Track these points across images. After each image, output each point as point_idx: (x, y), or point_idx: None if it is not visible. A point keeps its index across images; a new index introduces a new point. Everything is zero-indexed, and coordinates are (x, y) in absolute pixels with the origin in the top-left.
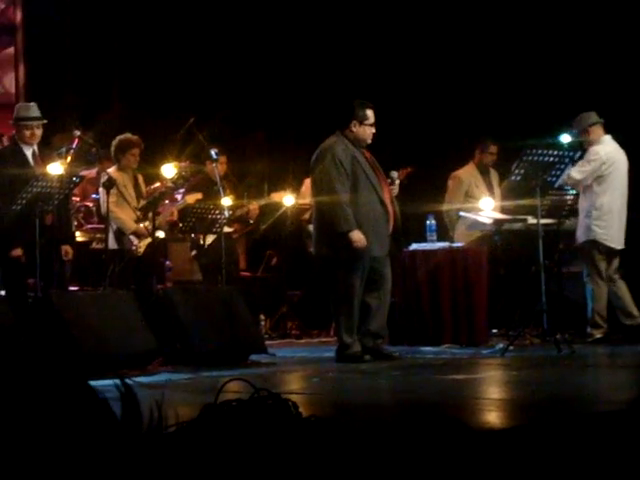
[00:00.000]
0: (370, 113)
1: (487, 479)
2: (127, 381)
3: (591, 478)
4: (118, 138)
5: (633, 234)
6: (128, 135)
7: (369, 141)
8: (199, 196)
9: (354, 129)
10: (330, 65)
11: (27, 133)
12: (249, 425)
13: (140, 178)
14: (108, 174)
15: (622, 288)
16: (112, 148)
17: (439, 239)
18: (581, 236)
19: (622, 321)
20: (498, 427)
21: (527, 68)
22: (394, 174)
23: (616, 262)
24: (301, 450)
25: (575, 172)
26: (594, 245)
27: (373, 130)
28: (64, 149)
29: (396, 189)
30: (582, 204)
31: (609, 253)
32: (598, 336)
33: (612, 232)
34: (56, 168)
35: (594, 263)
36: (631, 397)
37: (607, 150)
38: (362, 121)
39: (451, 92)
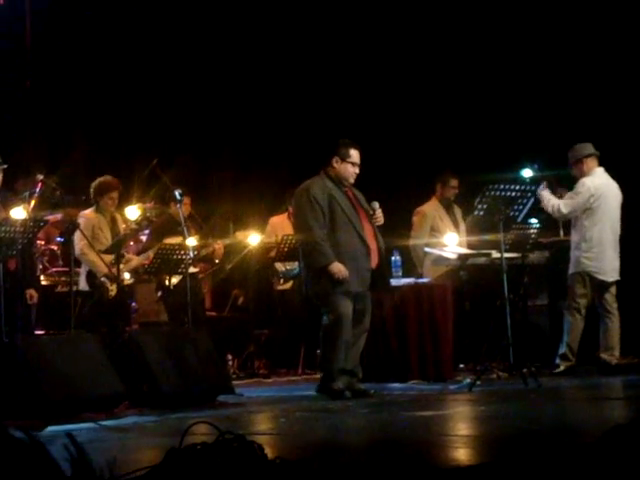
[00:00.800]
0: (354, 152)
1: None
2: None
3: None
4: (98, 180)
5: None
6: (108, 177)
7: (351, 180)
8: (180, 238)
9: (335, 165)
10: (290, 107)
11: None
12: (214, 469)
13: (119, 219)
14: (72, 217)
15: (615, 323)
16: (91, 190)
17: (404, 275)
18: (571, 267)
19: (600, 353)
20: (465, 464)
21: (487, 103)
22: (375, 204)
23: (610, 294)
24: None
25: (562, 205)
26: (580, 278)
27: (356, 170)
28: (27, 193)
29: (381, 218)
30: (573, 237)
31: (600, 286)
32: (562, 368)
33: (603, 265)
34: (19, 213)
35: (575, 297)
36: (598, 431)
37: (596, 183)
38: (344, 158)
39: (411, 128)
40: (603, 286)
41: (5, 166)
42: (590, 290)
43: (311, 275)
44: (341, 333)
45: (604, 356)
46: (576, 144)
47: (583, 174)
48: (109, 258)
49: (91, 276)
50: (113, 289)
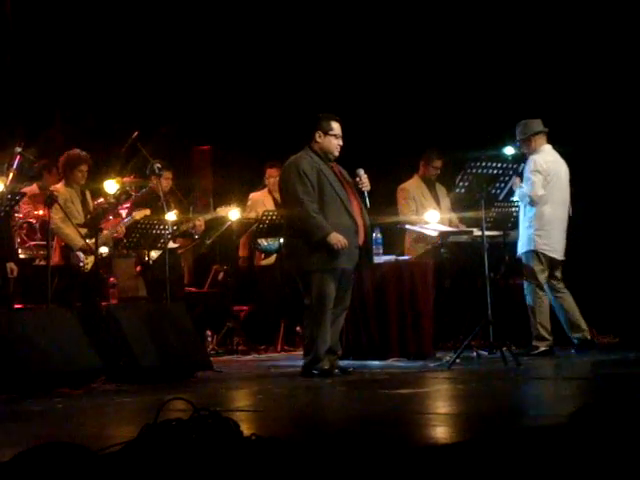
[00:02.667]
0: (335, 125)
1: None
2: None
3: None
4: (67, 153)
5: (576, 245)
6: (77, 151)
7: (336, 153)
8: (147, 212)
9: (319, 140)
10: (273, 79)
11: None
12: (188, 445)
13: (88, 194)
14: (51, 190)
15: (568, 300)
16: (60, 164)
17: (385, 252)
18: (522, 247)
19: (569, 334)
20: (443, 442)
21: (470, 79)
22: (360, 170)
23: (559, 273)
24: (240, 469)
25: (526, 189)
26: (535, 255)
27: (339, 142)
28: (5, 166)
29: (367, 184)
30: (525, 215)
31: (551, 264)
32: (543, 348)
33: (553, 242)
34: None
35: (534, 275)
36: (573, 409)
37: (547, 160)
38: (327, 132)
39: (394, 104)
40: (552, 265)
41: None
42: (546, 265)
43: (297, 252)
44: (325, 313)
45: (575, 335)
46: (523, 120)
47: (532, 151)
48: (84, 232)
49: (66, 250)
50: (89, 263)
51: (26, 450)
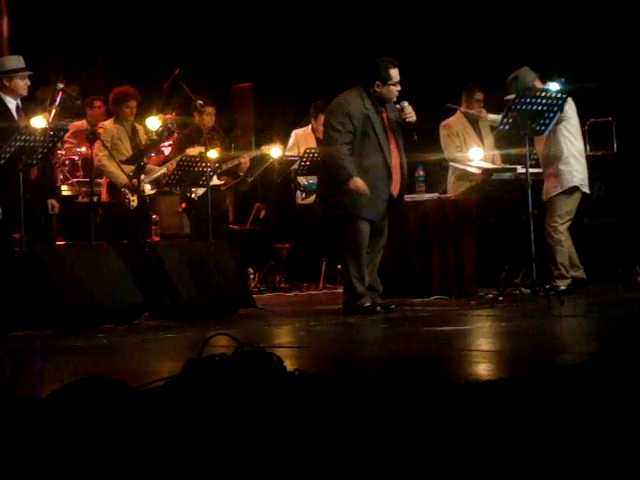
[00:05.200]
0: (394, 72)
1: (473, 431)
2: None
3: (576, 429)
4: (115, 90)
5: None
6: (125, 87)
7: (394, 99)
8: (202, 149)
9: (377, 89)
10: (318, 17)
11: (22, 84)
12: (232, 380)
13: (141, 129)
14: (94, 126)
15: (568, 239)
16: (109, 100)
17: (428, 190)
18: (558, 186)
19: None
20: (485, 379)
21: (516, 14)
22: (404, 103)
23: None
24: (284, 404)
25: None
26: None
27: (398, 88)
28: (47, 102)
29: (411, 114)
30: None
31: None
32: (563, 288)
33: (585, 177)
34: (39, 122)
35: (562, 213)
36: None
37: None
38: (386, 81)
39: (437, 42)
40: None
41: (30, 73)
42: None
43: (328, 194)
44: (359, 253)
45: (572, 274)
46: (513, 74)
47: None
48: (129, 169)
49: (112, 187)
50: (134, 200)
51: (64, 386)
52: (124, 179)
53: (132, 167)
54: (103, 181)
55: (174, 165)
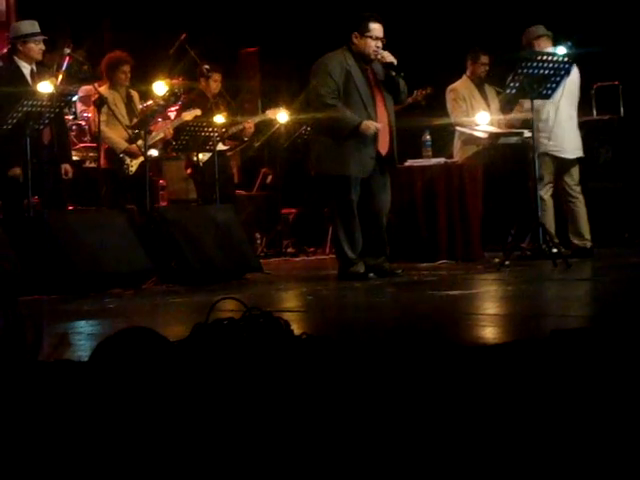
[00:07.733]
0: (374, 26)
1: (480, 395)
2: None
3: (582, 393)
4: (107, 55)
5: None
6: (117, 52)
7: (372, 56)
8: (198, 112)
9: (355, 41)
10: None
11: (36, 49)
12: (240, 343)
13: (135, 95)
14: (99, 92)
15: (582, 207)
16: (102, 66)
17: (434, 154)
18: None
19: (571, 239)
20: (491, 342)
21: None
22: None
23: (573, 175)
24: (291, 368)
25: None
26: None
27: (377, 44)
28: (54, 67)
29: (385, 55)
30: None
31: (561, 165)
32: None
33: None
34: (46, 86)
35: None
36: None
37: None
38: (364, 33)
39: (443, 5)
40: (564, 166)
41: (45, 37)
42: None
43: (314, 157)
44: (348, 218)
45: (575, 242)
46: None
47: None
48: (124, 134)
49: (111, 153)
50: (133, 166)
51: (109, 336)
52: (123, 144)
53: (129, 133)
54: (102, 147)
55: (171, 130)
